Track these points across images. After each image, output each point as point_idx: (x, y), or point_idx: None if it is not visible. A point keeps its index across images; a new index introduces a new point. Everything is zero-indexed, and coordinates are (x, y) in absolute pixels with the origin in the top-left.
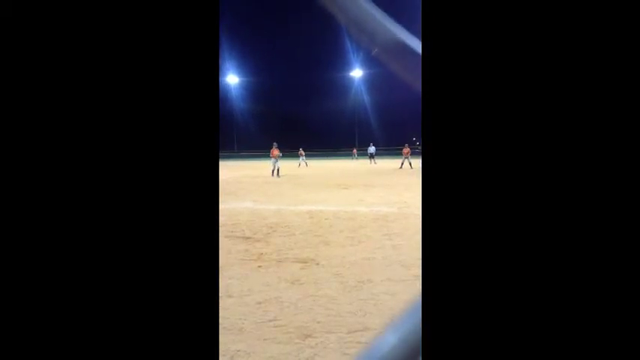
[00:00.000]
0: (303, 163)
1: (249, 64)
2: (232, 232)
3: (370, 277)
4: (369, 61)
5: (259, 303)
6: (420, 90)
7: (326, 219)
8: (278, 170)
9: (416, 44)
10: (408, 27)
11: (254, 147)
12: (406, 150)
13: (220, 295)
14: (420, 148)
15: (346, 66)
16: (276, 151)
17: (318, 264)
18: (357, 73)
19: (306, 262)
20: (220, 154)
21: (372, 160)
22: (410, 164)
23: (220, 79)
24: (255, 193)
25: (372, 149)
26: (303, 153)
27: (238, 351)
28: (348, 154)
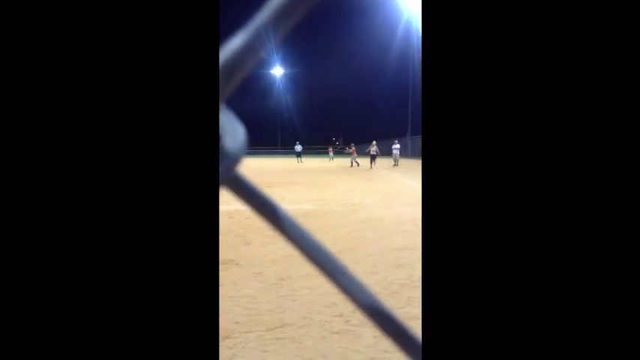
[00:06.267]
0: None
1: None
2: None
3: (290, 273)
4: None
5: None
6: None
7: (246, 218)
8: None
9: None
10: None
11: None
12: (352, 150)
13: None
14: (340, 147)
15: (267, 64)
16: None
17: (237, 264)
18: (277, 71)
19: (225, 264)
20: None
21: (299, 159)
22: (357, 163)
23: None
24: None
25: (298, 148)
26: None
27: None
28: (271, 152)
